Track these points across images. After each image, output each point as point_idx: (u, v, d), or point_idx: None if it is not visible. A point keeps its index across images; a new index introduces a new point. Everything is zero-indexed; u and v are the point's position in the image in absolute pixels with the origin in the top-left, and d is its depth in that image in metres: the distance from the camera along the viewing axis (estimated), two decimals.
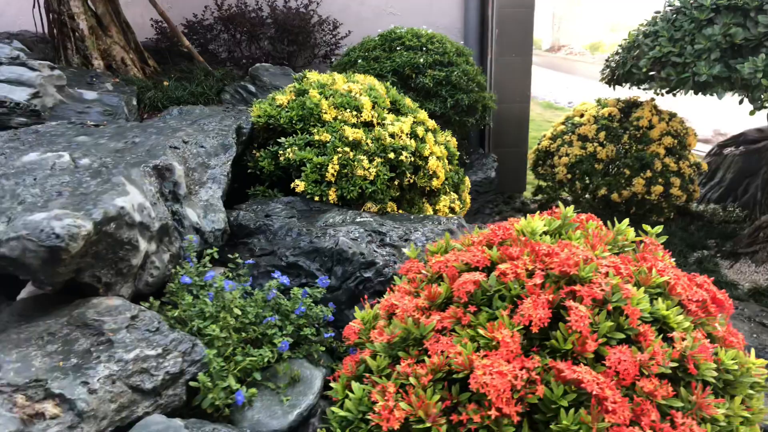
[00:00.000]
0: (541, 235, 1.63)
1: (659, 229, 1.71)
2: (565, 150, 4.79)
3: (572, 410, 1.25)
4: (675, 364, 1.34)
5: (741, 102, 2.94)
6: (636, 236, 1.70)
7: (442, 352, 1.42)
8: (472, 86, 4.59)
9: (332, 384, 1.61)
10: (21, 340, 1.39)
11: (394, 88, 3.23)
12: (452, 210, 2.95)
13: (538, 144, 5.12)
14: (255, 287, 2.03)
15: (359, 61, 4.56)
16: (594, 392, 1.24)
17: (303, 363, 1.78)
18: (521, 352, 1.35)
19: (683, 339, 1.38)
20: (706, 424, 1.32)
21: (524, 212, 5.22)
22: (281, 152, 2.73)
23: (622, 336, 1.37)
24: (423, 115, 3.06)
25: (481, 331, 1.38)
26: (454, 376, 1.37)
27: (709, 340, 1.43)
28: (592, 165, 4.65)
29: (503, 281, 1.47)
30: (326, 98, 2.88)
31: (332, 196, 2.65)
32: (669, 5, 3.08)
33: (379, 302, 1.76)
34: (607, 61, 4.89)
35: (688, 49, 2.89)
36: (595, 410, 1.24)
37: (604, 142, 4.64)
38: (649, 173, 4.46)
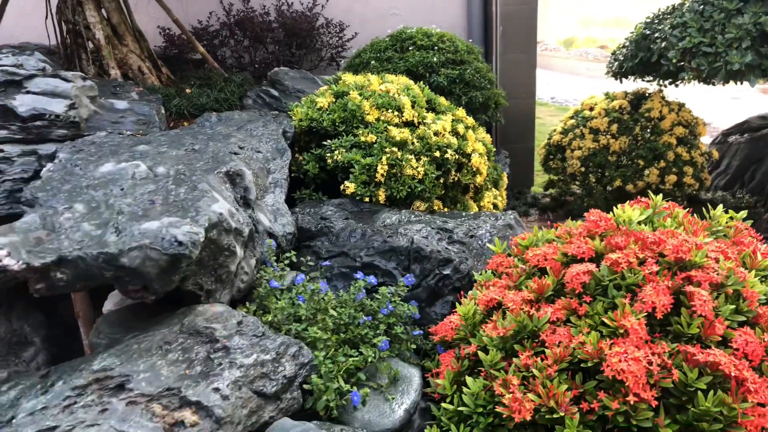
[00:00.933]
0: (638, 224, 1.66)
1: (744, 213, 1.75)
2: (578, 143, 4.85)
3: (711, 392, 1.28)
4: None
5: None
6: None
7: (559, 342, 1.44)
8: (484, 83, 4.62)
9: (436, 380, 1.62)
10: (142, 351, 1.37)
11: (427, 87, 3.25)
12: (495, 206, 2.98)
13: (549, 138, 5.18)
14: (331, 288, 2.03)
15: (372, 62, 4.56)
16: (733, 374, 1.27)
17: (398, 362, 1.78)
18: (649, 338, 1.37)
19: None
20: None
21: (537, 206, 5.28)
22: (328, 155, 2.72)
23: (743, 318, 1.40)
24: (461, 112, 3.08)
25: (606, 320, 1.40)
26: (580, 365, 1.39)
27: None
28: (606, 157, 4.72)
29: (616, 270, 1.49)
30: (366, 99, 2.88)
31: (381, 196, 2.65)
32: (694, 1, 3.16)
33: (463, 298, 1.77)
34: (613, 54, 4.97)
35: (719, 38, 2.96)
36: (736, 391, 1.26)
37: (617, 135, 4.71)
38: (662, 163, 4.54)
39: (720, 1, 3.03)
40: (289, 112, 3.04)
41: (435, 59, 4.49)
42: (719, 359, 1.28)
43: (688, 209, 1.80)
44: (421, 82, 3.30)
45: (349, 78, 3.07)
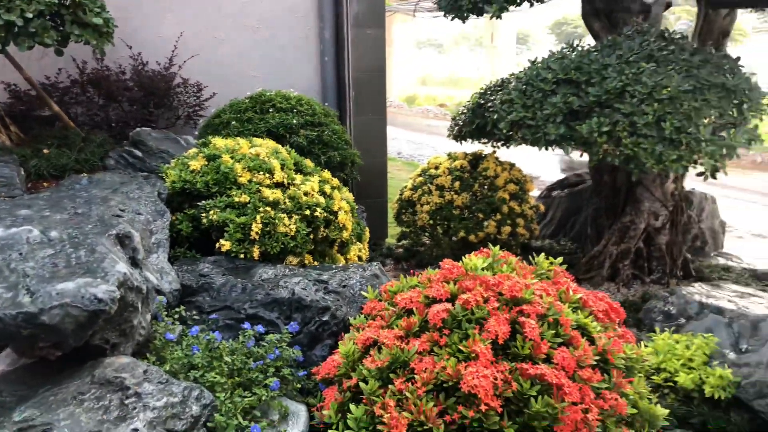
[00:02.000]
0: (482, 270, 2.11)
1: (561, 259, 2.28)
2: (426, 199, 5.44)
3: (540, 397, 1.71)
4: (598, 357, 1.87)
5: (581, 155, 3.75)
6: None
7: (426, 369, 1.81)
8: (341, 144, 5.07)
9: (322, 412, 1.92)
10: (59, 401, 1.51)
11: (293, 150, 3.60)
12: (360, 258, 3.36)
13: (401, 194, 5.73)
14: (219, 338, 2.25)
15: (233, 122, 4.83)
16: (554, 382, 1.71)
17: (287, 399, 2.05)
18: (494, 360, 1.79)
19: (600, 339, 1.92)
20: (623, 398, 1.86)
21: (392, 256, 5.77)
22: (203, 214, 2.95)
23: (560, 340, 1.87)
24: (327, 174, 3.46)
25: (461, 348, 1.80)
26: (443, 385, 1.77)
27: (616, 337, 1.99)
28: (451, 211, 5.33)
29: (467, 308, 1.91)
30: (238, 162, 3.16)
31: (256, 252, 2.92)
32: (517, 79, 3.86)
33: (341, 340, 2.10)
34: (454, 119, 5.70)
35: (538, 114, 3.65)
36: (557, 395, 1.71)
37: (459, 191, 5.35)
38: (499, 216, 5.24)
39: (538, 83, 3.74)
40: (161, 174, 3.22)
41: (294, 121, 4.87)
42: (545, 372, 1.73)
43: (520, 256, 2.29)
44: (287, 147, 3.64)
45: (219, 142, 3.33)
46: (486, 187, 5.37)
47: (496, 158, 5.54)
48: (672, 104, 3.39)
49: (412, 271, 2.36)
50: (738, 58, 3.88)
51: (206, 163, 3.17)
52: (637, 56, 3.73)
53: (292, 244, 2.96)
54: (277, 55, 5.72)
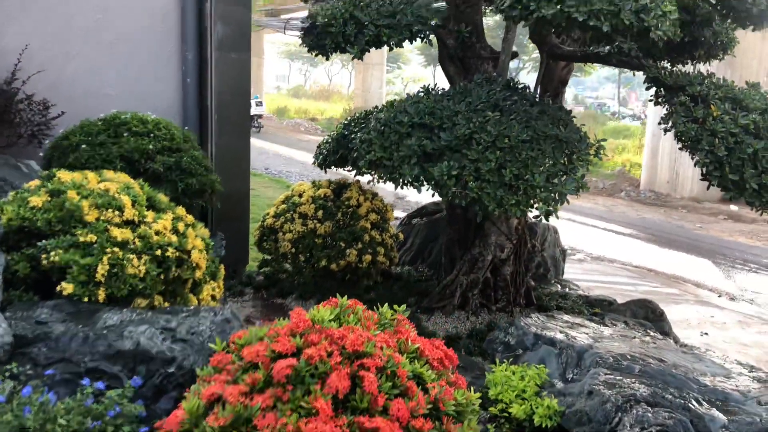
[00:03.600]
0: (329, 322, 2.21)
1: (404, 307, 2.44)
2: (289, 227, 5.49)
3: None
4: (430, 406, 2.04)
5: (433, 195, 3.99)
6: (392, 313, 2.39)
7: (268, 425, 1.88)
8: (200, 170, 4.99)
9: None
10: None
11: (147, 185, 3.51)
12: (213, 297, 3.35)
13: (263, 221, 5.74)
14: (56, 396, 2.17)
15: (83, 146, 4.61)
16: None
17: None
18: (333, 414, 1.89)
19: (434, 387, 2.08)
20: None
21: (252, 285, 5.75)
22: (44, 255, 2.81)
23: (397, 391, 2.02)
24: (180, 210, 3.42)
25: (302, 404, 1.88)
26: None
27: (448, 385, 2.16)
28: (314, 239, 5.43)
29: (311, 363, 2.00)
30: (85, 198, 3.05)
31: (102, 295, 2.83)
32: (377, 120, 4.04)
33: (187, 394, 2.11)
34: (319, 147, 5.83)
35: (395, 155, 3.84)
36: None
37: (322, 219, 5.46)
38: (360, 245, 5.40)
39: (395, 125, 3.94)
40: None
41: (151, 146, 4.73)
42: (380, 424, 1.85)
43: (366, 308, 2.42)
44: (140, 180, 3.55)
45: (65, 176, 3.19)
46: (349, 216, 5.52)
47: (359, 187, 5.71)
48: (512, 153, 3.71)
49: (266, 320, 2.42)
50: (570, 111, 4.32)
51: (49, 198, 3.02)
52: (484, 105, 4.05)
53: (141, 286, 2.90)
54: (135, 74, 5.53)
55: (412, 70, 44.27)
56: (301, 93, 43.36)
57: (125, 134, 4.78)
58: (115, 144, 4.69)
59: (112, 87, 5.49)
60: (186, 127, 5.54)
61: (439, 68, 4.70)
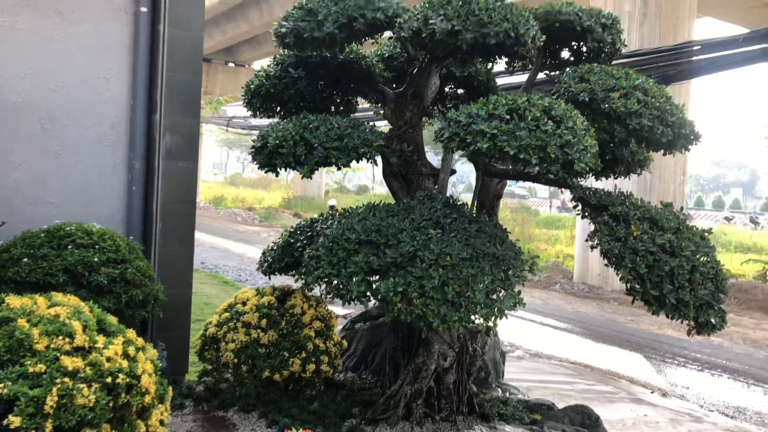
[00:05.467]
0: None
1: None
2: (232, 336, 5.54)
3: None
4: None
5: (381, 309, 4.18)
6: None
7: None
8: (144, 281, 5.06)
9: None
10: None
11: (97, 306, 3.58)
12: (162, 422, 3.37)
13: (205, 331, 5.76)
14: None
15: (24, 259, 4.62)
16: None
17: None
18: None
19: None
20: None
21: (192, 396, 5.68)
22: None
23: None
24: (131, 333, 3.48)
25: None
26: None
27: None
28: (257, 349, 5.48)
29: None
30: (35, 326, 3.09)
31: (49, 428, 2.84)
32: (325, 236, 4.27)
33: None
34: (264, 254, 5.98)
35: (343, 271, 4.06)
36: None
37: (266, 329, 5.54)
38: (304, 354, 5.49)
39: (343, 243, 4.18)
40: None
41: (96, 259, 4.78)
42: None
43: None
44: (90, 303, 3.61)
45: (14, 301, 3.23)
46: (293, 324, 5.62)
47: (304, 294, 5.85)
48: (454, 270, 3.99)
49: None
50: (505, 229, 4.69)
51: None
52: (427, 222, 4.35)
53: (90, 416, 2.92)
54: (80, 182, 5.62)
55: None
56: (238, 181, 43.59)
57: (69, 246, 4.82)
58: (58, 257, 4.71)
59: (55, 195, 5.55)
60: (131, 237, 5.62)
61: (378, 158, 5.05)
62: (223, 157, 52.04)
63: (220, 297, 10.49)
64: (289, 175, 40.52)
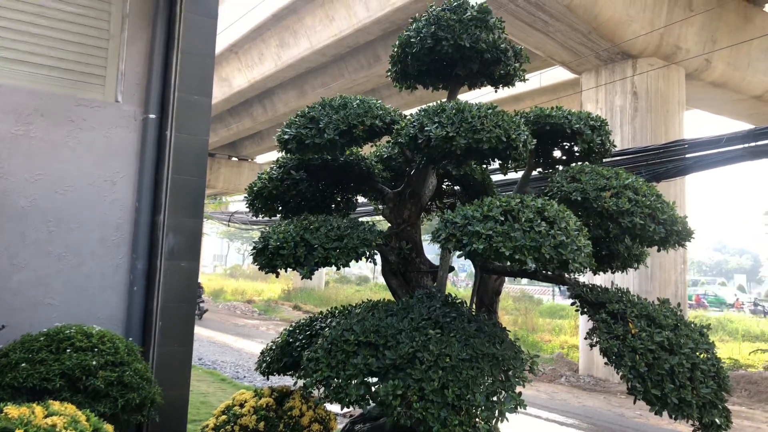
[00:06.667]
0: None
1: None
2: None
3: None
4: None
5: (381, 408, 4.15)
6: None
7: None
8: (142, 384, 5.03)
9: None
10: None
11: (94, 414, 3.57)
12: None
13: None
14: None
15: (22, 364, 4.63)
16: None
17: None
18: None
19: None
20: None
21: None
22: None
23: None
24: None
25: None
26: None
27: None
28: None
29: None
30: None
31: None
32: (324, 338, 4.30)
33: None
34: (262, 354, 5.96)
35: (342, 374, 4.06)
36: None
37: None
38: None
39: (342, 344, 4.21)
40: None
41: (94, 362, 4.79)
42: None
43: None
44: (86, 411, 3.60)
45: (12, 411, 3.24)
46: (291, 427, 5.53)
47: (302, 396, 5.79)
48: (453, 372, 3.99)
49: None
50: (504, 328, 4.72)
51: None
52: (426, 322, 4.39)
53: None
54: (82, 283, 5.71)
55: None
56: (238, 273, 43.60)
57: (68, 350, 4.83)
58: (56, 361, 4.72)
59: (56, 296, 5.62)
60: (130, 337, 5.65)
61: (378, 256, 5.12)
62: (223, 249, 52.33)
63: (217, 395, 10.33)
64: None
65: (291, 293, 33.73)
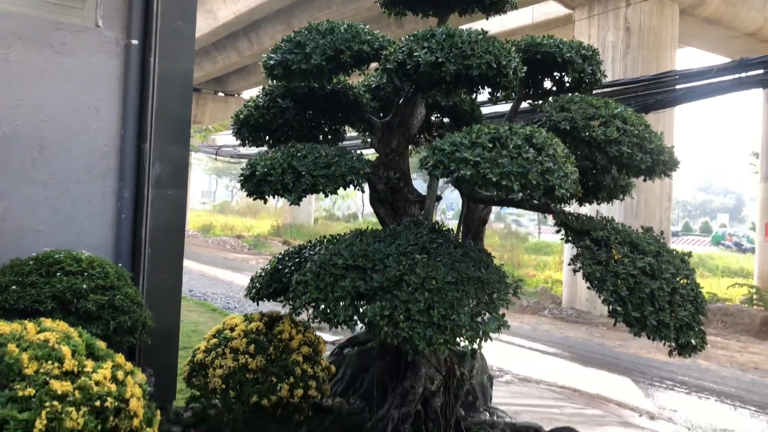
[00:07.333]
0: None
1: None
2: (220, 362, 5.56)
3: None
4: None
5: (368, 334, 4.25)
6: None
7: None
8: (133, 308, 5.10)
9: None
10: None
11: (86, 331, 3.62)
12: None
13: (193, 357, 5.78)
14: None
15: (13, 287, 4.66)
16: None
17: None
18: None
19: None
20: None
21: (180, 423, 5.69)
22: None
23: None
24: (120, 358, 3.52)
25: None
26: None
27: None
28: (245, 375, 5.50)
29: None
30: (25, 351, 3.14)
31: None
32: (312, 261, 4.35)
33: None
34: (252, 281, 6.04)
35: (330, 296, 4.13)
36: None
37: (254, 354, 5.57)
38: (292, 379, 5.51)
39: (330, 268, 4.26)
40: None
41: (85, 286, 4.83)
42: None
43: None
44: (79, 329, 3.66)
45: (3, 327, 3.28)
46: (281, 349, 5.65)
47: (292, 320, 5.90)
48: (439, 294, 4.07)
49: None
50: (490, 254, 4.79)
51: None
52: (413, 247, 4.44)
53: None
54: (68, 210, 5.69)
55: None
56: (227, 209, 43.58)
57: (58, 273, 4.86)
58: (47, 284, 4.76)
59: (43, 224, 5.60)
60: (119, 264, 5.66)
61: (366, 186, 5.15)
62: (211, 185, 52.11)
63: (207, 324, 10.48)
64: (278, 203, 40.59)
65: (280, 229, 33.87)
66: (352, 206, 51.24)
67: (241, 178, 4.83)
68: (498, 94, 5.72)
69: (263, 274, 5.99)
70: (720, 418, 8.56)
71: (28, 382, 3.01)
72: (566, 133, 4.88)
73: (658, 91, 6.45)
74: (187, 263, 19.66)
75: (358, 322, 4.24)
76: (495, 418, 6.29)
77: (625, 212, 14.14)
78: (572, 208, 5.44)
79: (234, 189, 50.85)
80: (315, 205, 34.11)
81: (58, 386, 3.02)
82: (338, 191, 4.82)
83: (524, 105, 6.19)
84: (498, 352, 10.75)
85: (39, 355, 3.14)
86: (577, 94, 5.49)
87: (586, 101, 5.09)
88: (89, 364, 3.29)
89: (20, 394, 2.95)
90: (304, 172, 4.58)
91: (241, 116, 5.83)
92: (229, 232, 32.68)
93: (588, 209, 6.85)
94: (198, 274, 18.31)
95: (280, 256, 6.06)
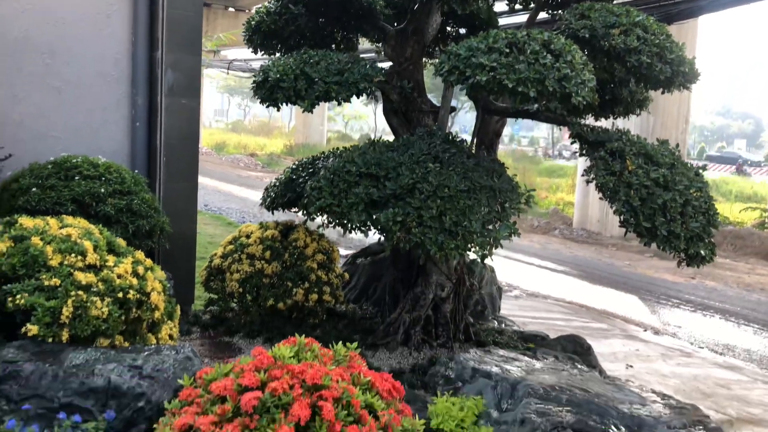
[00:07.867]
0: (289, 358, 2.50)
1: (356, 344, 2.75)
2: (237, 267, 5.72)
3: None
4: (381, 430, 2.34)
5: (380, 241, 4.33)
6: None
7: None
8: (150, 213, 5.20)
9: None
10: None
11: (106, 229, 3.72)
12: (171, 337, 3.56)
13: (210, 262, 5.94)
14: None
15: (33, 189, 4.75)
16: None
17: None
18: None
19: (384, 415, 2.39)
20: None
21: (199, 324, 5.90)
22: (9, 298, 2.98)
23: (352, 419, 2.31)
24: (140, 254, 3.63)
25: (268, 430, 2.15)
26: None
27: (396, 413, 2.48)
28: (261, 279, 5.67)
29: (275, 394, 2.28)
30: (48, 244, 3.24)
31: (65, 336, 3.02)
32: (326, 168, 4.38)
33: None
34: (266, 190, 6.11)
35: (344, 202, 4.18)
36: None
37: (270, 260, 5.71)
38: (307, 284, 5.67)
39: (344, 175, 4.30)
40: None
41: (102, 190, 4.91)
42: None
43: (321, 345, 2.72)
44: (99, 226, 3.75)
45: (27, 222, 3.37)
46: (296, 256, 5.79)
47: (306, 229, 6.01)
48: (451, 201, 4.11)
49: (225, 359, 2.68)
50: (503, 164, 4.79)
51: (12, 244, 3.20)
52: (426, 157, 4.45)
53: (103, 327, 3.10)
54: (84, 118, 5.71)
55: (352, 108, 45.04)
56: (240, 128, 43.42)
57: (76, 177, 4.94)
58: (66, 187, 4.84)
59: (60, 130, 5.64)
60: (135, 170, 5.73)
61: (379, 108, 5.11)
62: (224, 104, 51.68)
63: (223, 237, 10.62)
64: (291, 122, 40.33)
65: (293, 148, 33.83)
66: (365, 128, 50.87)
67: (254, 84, 4.80)
68: (516, 2, 5.58)
69: (278, 184, 6.05)
70: (723, 334, 8.75)
71: (53, 273, 3.12)
72: (585, 41, 4.76)
73: (681, 0, 6.22)
74: (202, 179, 19.78)
75: (371, 227, 4.30)
76: (503, 326, 6.47)
77: (641, 133, 13.95)
78: (588, 123, 5.38)
79: (246, 108, 50.42)
80: (327, 125, 33.84)
81: (83, 277, 3.13)
82: (351, 99, 4.78)
83: (543, 15, 6.01)
84: (507, 269, 10.91)
85: (62, 248, 3.24)
86: (597, 2, 5.32)
87: (607, 9, 4.93)
88: (111, 259, 3.40)
89: (46, 283, 3.07)
90: (317, 79, 4.54)
91: (253, 23, 5.73)
92: (243, 151, 32.69)
93: (604, 124, 6.77)
94: (213, 189, 18.48)
95: (294, 167, 6.09)
